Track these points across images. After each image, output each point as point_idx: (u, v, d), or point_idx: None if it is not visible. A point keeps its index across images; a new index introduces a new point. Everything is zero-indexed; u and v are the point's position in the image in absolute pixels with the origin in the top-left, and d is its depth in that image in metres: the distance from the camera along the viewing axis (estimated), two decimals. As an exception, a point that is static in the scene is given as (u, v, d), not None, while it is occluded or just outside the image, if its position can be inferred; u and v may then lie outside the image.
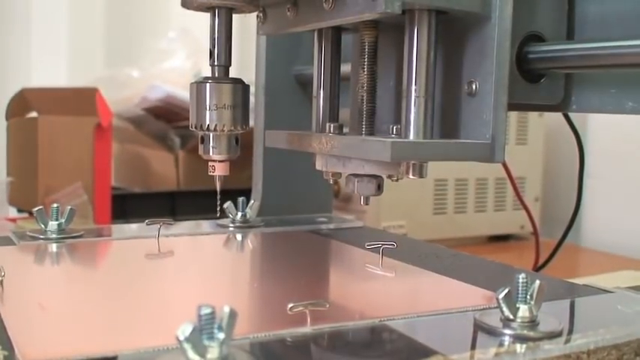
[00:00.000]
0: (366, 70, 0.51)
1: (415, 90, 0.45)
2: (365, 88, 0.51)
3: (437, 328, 0.40)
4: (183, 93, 1.16)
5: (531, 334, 0.37)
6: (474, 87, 0.47)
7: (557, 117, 0.66)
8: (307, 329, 0.38)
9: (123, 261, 0.58)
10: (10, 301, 0.43)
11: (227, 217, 0.70)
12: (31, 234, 0.61)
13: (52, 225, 0.61)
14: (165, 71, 1.27)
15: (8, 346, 0.34)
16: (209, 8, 0.49)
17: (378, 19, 0.48)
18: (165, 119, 1.22)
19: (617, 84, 0.50)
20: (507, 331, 0.37)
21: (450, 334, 0.40)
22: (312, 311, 0.39)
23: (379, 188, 0.50)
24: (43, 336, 0.37)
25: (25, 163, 1.06)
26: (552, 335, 0.37)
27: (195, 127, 0.50)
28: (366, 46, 0.51)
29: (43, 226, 0.61)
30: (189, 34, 1.33)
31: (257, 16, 0.54)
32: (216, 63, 0.50)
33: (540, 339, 0.36)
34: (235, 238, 0.67)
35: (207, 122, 0.49)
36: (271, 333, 0.37)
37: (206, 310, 0.30)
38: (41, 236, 0.61)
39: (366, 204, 0.52)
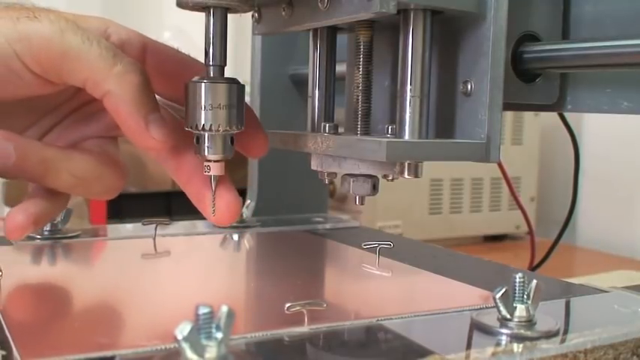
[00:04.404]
0: (361, 69, 0.51)
1: (410, 90, 0.45)
2: (360, 87, 0.51)
3: (434, 327, 0.40)
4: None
5: (528, 333, 0.37)
6: (469, 87, 0.47)
7: (552, 117, 0.66)
8: (305, 329, 0.38)
9: (119, 261, 0.58)
10: (7, 301, 0.43)
11: (223, 217, 0.69)
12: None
13: (49, 225, 0.61)
14: (160, 71, 1.26)
15: (6, 346, 0.34)
16: (204, 8, 0.49)
17: (374, 18, 0.48)
18: (161, 119, 1.21)
19: (613, 84, 0.50)
20: (504, 331, 0.37)
21: (446, 334, 0.40)
22: (310, 311, 0.39)
23: (374, 188, 0.50)
24: (41, 336, 0.37)
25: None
26: (549, 335, 0.37)
27: (191, 127, 0.50)
28: (362, 46, 0.51)
29: (38, 226, 0.61)
30: (184, 34, 1.32)
31: (252, 15, 0.54)
32: (211, 63, 0.50)
33: (537, 338, 0.36)
34: (232, 238, 0.67)
35: (203, 122, 0.49)
36: (269, 332, 0.37)
37: (204, 310, 0.30)
38: (38, 236, 0.60)
39: (362, 204, 0.52)
